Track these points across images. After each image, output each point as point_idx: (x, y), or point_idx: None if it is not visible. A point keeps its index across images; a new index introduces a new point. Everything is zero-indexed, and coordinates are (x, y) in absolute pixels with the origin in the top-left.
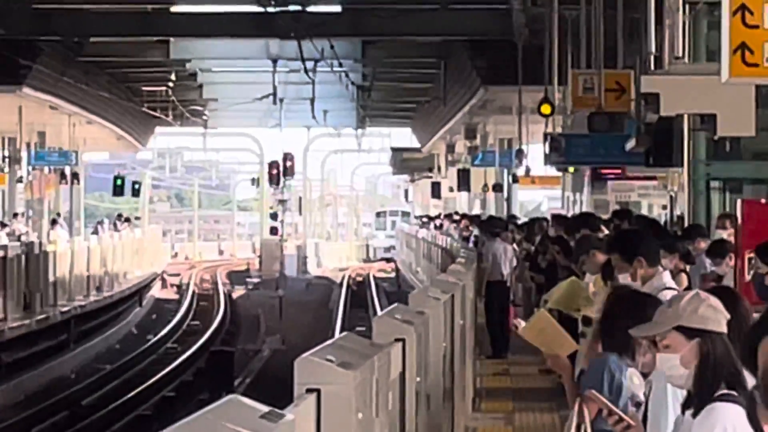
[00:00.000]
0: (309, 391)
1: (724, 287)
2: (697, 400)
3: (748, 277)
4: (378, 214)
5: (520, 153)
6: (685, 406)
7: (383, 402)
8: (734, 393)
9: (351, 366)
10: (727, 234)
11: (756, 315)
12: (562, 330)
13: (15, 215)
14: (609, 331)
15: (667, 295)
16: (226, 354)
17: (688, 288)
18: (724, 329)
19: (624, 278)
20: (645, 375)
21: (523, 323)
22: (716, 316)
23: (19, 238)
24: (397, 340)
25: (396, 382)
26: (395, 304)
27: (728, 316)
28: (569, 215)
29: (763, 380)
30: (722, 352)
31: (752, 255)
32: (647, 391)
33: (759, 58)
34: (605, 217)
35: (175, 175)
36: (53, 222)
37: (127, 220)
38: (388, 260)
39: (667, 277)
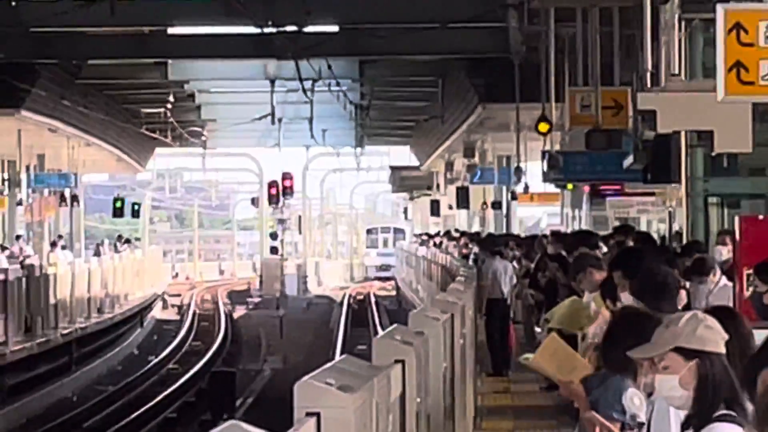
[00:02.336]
0: (309, 414)
1: (725, 307)
2: (696, 421)
3: (746, 294)
4: (369, 231)
5: (518, 170)
6: (684, 427)
7: (383, 424)
8: (733, 413)
9: (351, 389)
10: (727, 250)
11: (756, 333)
12: (574, 352)
13: (18, 237)
14: (610, 351)
15: None
16: (227, 375)
17: (688, 305)
18: (723, 350)
19: (625, 296)
20: (649, 395)
21: (530, 356)
22: (714, 337)
23: (23, 262)
24: (396, 361)
25: (396, 403)
26: (395, 325)
27: (726, 337)
28: (568, 232)
29: (759, 408)
30: (721, 373)
31: (750, 272)
32: (649, 412)
33: (754, 76)
34: (606, 233)
35: (175, 195)
36: (53, 244)
37: (128, 241)
38: (381, 279)
39: None
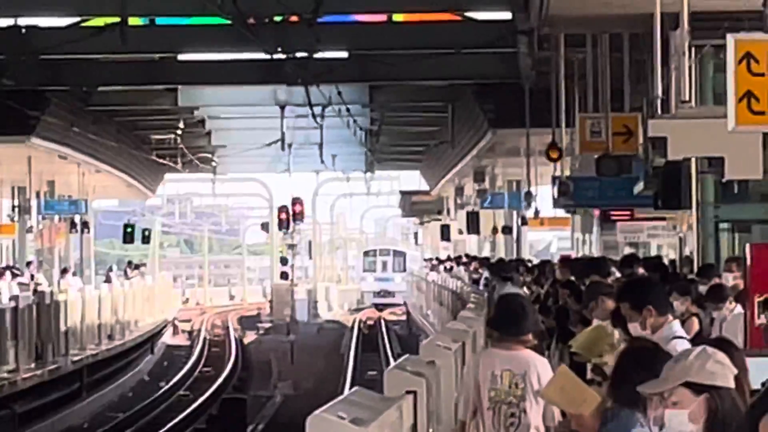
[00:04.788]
0: None
1: (723, 339)
2: None
3: (758, 321)
4: (366, 254)
5: (528, 195)
6: None
7: None
8: None
9: (362, 422)
10: (732, 277)
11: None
12: (584, 384)
13: (28, 264)
14: (620, 385)
15: (677, 344)
16: (238, 401)
17: (699, 332)
18: (732, 384)
19: (634, 327)
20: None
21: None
22: (724, 371)
23: (35, 289)
24: (408, 392)
25: None
26: (406, 356)
27: (735, 371)
28: (578, 257)
29: None
30: (730, 407)
31: (762, 299)
32: None
33: (765, 106)
34: (616, 258)
35: (185, 220)
36: (64, 271)
37: (137, 266)
38: (379, 308)
39: (677, 326)
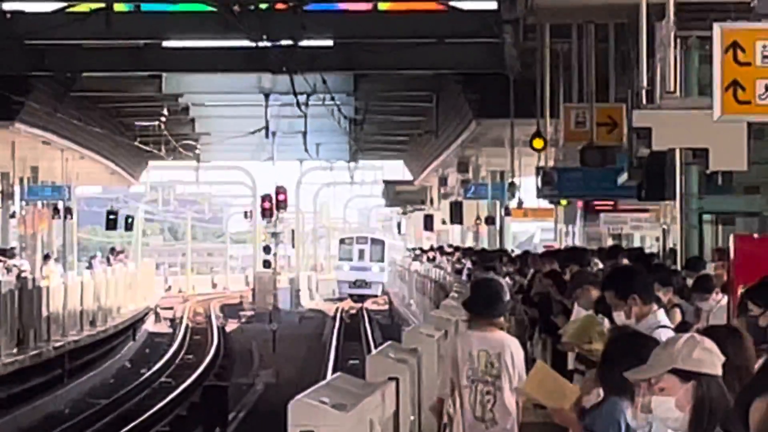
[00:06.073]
0: None
1: (728, 326)
2: None
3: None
4: (342, 241)
5: (512, 186)
6: None
7: None
8: None
9: (345, 407)
10: (714, 267)
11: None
12: (562, 378)
13: (11, 249)
14: (608, 373)
15: (661, 333)
16: (219, 389)
17: (682, 323)
18: (719, 372)
19: (618, 316)
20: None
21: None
22: (711, 359)
23: (18, 275)
24: (390, 378)
25: (390, 420)
26: (388, 342)
27: (723, 359)
28: (560, 249)
29: None
30: (717, 395)
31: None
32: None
33: (751, 96)
34: (598, 247)
35: (168, 208)
36: (46, 257)
37: (119, 253)
38: (354, 299)
39: (661, 315)
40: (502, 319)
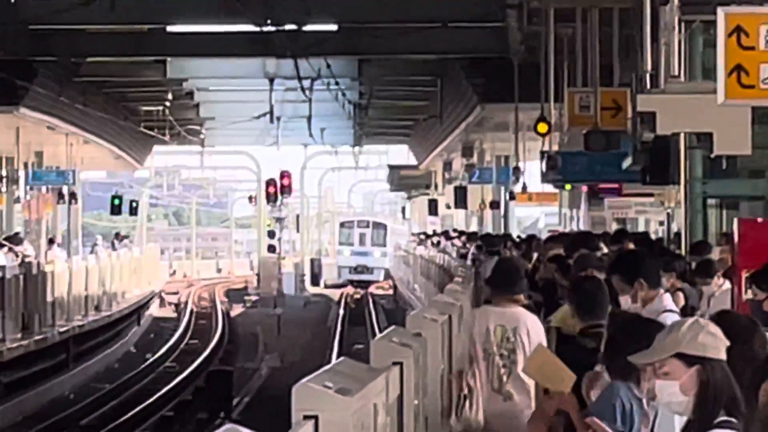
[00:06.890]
0: (307, 417)
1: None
2: (696, 427)
3: (745, 296)
4: (343, 225)
5: (516, 170)
6: None
7: (381, 426)
8: (734, 420)
9: (348, 392)
10: (720, 251)
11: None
12: (561, 363)
13: (17, 235)
14: (613, 357)
15: (667, 317)
16: (224, 374)
17: (685, 307)
18: (724, 356)
19: (625, 300)
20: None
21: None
22: (716, 343)
23: (23, 261)
24: (395, 363)
25: (394, 405)
26: (393, 327)
27: (728, 343)
28: (566, 233)
29: (759, 419)
30: (722, 380)
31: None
32: (654, 417)
33: (755, 80)
34: (602, 231)
35: (172, 193)
36: (50, 242)
37: (124, 238)
38: (355, 285)
39: (667, 300)
40: (522, 296)
